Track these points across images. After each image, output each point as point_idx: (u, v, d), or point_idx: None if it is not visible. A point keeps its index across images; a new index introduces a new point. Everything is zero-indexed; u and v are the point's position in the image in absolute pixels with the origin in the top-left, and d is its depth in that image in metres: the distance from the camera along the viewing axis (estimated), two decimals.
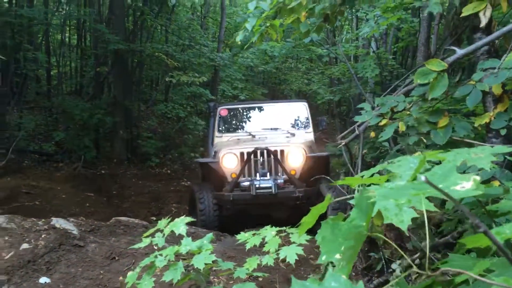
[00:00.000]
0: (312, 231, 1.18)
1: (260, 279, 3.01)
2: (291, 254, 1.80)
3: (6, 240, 3.45)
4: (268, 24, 3.40)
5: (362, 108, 2.83)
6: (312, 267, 3.59)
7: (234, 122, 6.76)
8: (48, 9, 11.40)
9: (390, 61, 10.15)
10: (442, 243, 2.61)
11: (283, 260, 1.86)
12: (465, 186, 0.64)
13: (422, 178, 0.54)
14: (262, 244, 1.94)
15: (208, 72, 13.09)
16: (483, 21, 2.30)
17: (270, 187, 5.08)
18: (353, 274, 3.06)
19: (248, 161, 5.27)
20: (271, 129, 6.39)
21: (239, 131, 6.52)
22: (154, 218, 7.17)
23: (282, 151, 5.43)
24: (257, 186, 5.10)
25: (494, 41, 2.41)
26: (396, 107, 2.58)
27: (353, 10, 9.67)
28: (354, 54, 12.16)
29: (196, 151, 11.75)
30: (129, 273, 1.90)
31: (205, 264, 1.76)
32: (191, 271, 1.86)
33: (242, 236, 1.97)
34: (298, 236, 1.72)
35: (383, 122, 2.58)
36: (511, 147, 0.99)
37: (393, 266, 2.84)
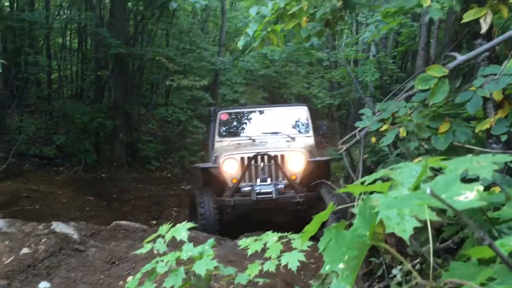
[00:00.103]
0: (313, 236, 1.18)
1: (260, 284, 3.00)
2: (292, 260, 1.80)
3: (6, 245, 3.45)
4: (269, 29, 3.41)
5: (363, 114, 2.84)
6: (312, 271, 3.59)
7: (234, 126, 6.76)
8: (49, 13, 11.43)
9: (390, 65, 10.19)
10: (443, 248, 2.61)
11: (285, 266, 1.86)
12: (469, 197, 0.64)
13: (428, 190, 0.54)
14: (263, 249, 1.93)
15: (208, 76, 13.11)
16: (484, 27, 2.31)
17: (270, 192, 5.07)
18: None
19: (248, 166, 5.27)
20: (272, 133, 6.39)
21: (240, 135, 6.52)
22: (155, 222, 7.17)
23: (282, 156, 5.42)
24: (257, 191, 5.09)
25: (495, 47, 2.42)
26: (397, 112, 2.59)
27: (353, 15, 9.70)
28: (354, 58, 12.20)
29: (196, 155, 11.75)
30: (129, 278, 1.90)
31: (207, 270, 1.76)
32: (192, 276, 1.86)
33: (243, 242, 1.97)
34: (301, 244, 1.72)
35: (384, 127, 2.59)
36: None
37: (394, 271, 2.84)
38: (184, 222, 1.96)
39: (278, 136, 6.31)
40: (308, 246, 1.84)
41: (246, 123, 6.77)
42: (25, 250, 3.39)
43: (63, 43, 13.64)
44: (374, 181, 1.14)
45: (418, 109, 2.53)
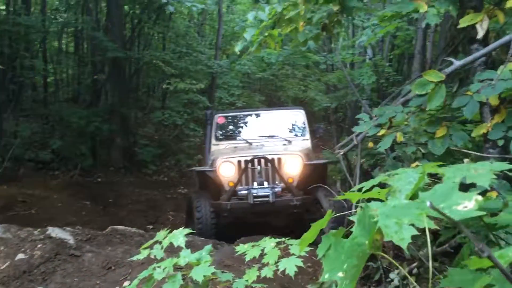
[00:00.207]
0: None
1: None
2: (290, 266, 1.79)
3: (2, 250, 3.42)
4: (266, 34, 3.42)
5: (360, 118, 2.84)
6: (309, 275, 3.58)
7: (231, 129, 6.75)
8: (45, 17, 11.40)
9: (387, 68, 10.22)
10: (440, 252, 2.61)
11: (282, 271, 1.85)
12: (468, 206, 0.64)
13: (428, 203, 0.54)
14: (261, 254, 1.93)
15: (205, 79, 13.11)
16: (480, 33, 2.32)
17: (267, 196, 5.06)
18: None
19: (245, 170, 5.26)
20: (268, 136, 6.39)
21: (236, 138, 6.51)
22: (151, 227, 7.13)
23: (279, 159, 5.43)
24: (254, 194, 5.09)
25: (491, 52, 2.44)
26: (394, 117, 2.59)
27: (350, 18, 9.74)
28: (350, 61, 12.23)
29: (193, 158, 11.73)
30: (126, 284, 1.89)
31: (204, 276, 1.75)
32: (190, 283, 1.85)
33: (241, 248, 1.97)
34: (299, 251, 1.72)
35: (382, 132, 2.59)
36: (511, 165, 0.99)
37: (391, 275, 2.84)
38: (181, 228, 1.95)
39: (275, 140, 6.31)
40: (306, 252, 1.84)
41: (242, 127, 6.76)
42: (20, 256, 3.36)
43: (59, 46, 13.60)
44: (372, 188, 1.14)
45: (415, 113, 2.54)
